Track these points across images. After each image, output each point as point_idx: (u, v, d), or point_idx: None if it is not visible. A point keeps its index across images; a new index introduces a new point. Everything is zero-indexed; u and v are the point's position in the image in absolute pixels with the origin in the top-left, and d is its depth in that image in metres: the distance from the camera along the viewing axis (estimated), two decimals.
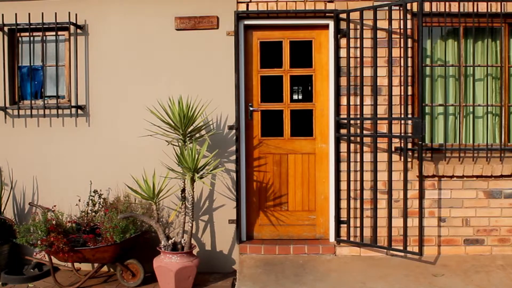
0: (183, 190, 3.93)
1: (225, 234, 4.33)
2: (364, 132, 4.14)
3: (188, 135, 3.99)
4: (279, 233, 4.43)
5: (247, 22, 4.30)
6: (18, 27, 4.37)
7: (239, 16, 4.24)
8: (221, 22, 4.27)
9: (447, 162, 4.17)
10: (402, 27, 4.04)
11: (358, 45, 4.08)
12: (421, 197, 3.95)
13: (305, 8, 4.19)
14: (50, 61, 4.47)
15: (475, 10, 4.10)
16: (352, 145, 4.16)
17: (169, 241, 3.85)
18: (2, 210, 4.37)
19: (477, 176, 4.15)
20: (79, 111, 4.39)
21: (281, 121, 4.49)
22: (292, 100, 4.48)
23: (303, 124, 4.70)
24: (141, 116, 4.25)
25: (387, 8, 3.95)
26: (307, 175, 4.42)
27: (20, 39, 4.54)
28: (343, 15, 4.11)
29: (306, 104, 4.59)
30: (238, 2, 4.23)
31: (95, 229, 3.96)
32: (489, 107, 4.28)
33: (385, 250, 4.13)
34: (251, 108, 4.38)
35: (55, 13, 4.29)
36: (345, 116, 4.14)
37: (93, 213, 4.15)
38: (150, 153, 4.26)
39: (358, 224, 4.12)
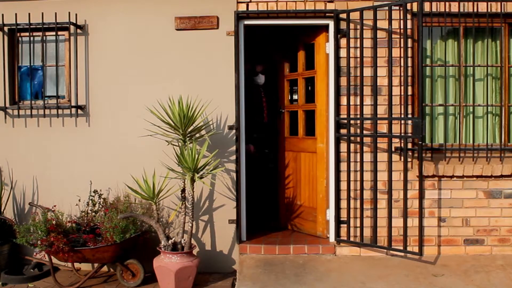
0: (183, 190, 3.93)
1: (225, 234, 4.33)
2: (364, 132, 4.14)
3: (188, 135, 3.99)
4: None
5: (247, 22, 4.30)
6: (18, 27, 4.37)
7: (239, 16, 4.23)
8: (221, 22, 4.26)
9: (447, 162, 4.17)
10: (402, 27, 4.04)
11: (358, 45, 4.08)
12: (421, 197, 3.95)
13: (305, 8, 4.19)
14: (50, 61, 4.47)
15: (475, 10, 4.10)
16: (352, 145, 4.16)
17: (169, 241, 3.85)
18: (2, 210, 4.37)
19: (477, 176, 4.15)
20: (79, 111, 4.39)
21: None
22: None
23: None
24: (141, 116, 4.24)
25: (387, 8, 3.94)
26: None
27: (20, 39, 4.54)
28: (343, 15, 4.11)
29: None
30: (238, 2, 4.23)
31: (95, 229, 3.96)
32: (489, 107, 4.28)
33: (385, 250, 4.13)
34: None
35: (55, 13, 4.28)
36: (345, 116, 4.14)
37: (93, 213, 4.15)
38: (150, 153, 4.25)
39: (358, 224, 4.12)
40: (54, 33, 4.37)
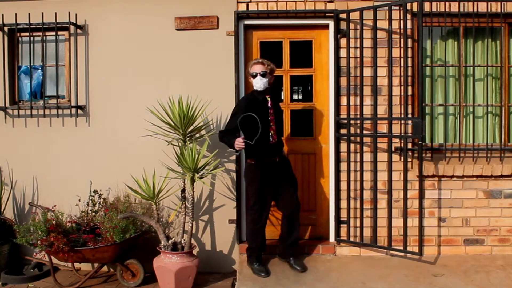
0: (183, 190, 3.93)
1: (225, 234, 4.33)
2: (364, 132, 4.13)
3: (188, 135, 3.99)
4: (279, 233, 4.42)
5: (247, 22, 4.30)
6: (18, 27, 4.37)
7: (239, 16, 4.23)
8: (221, 22, 4.26)
9: (447, 162, 4.17)
10: (402, 27, 4.04)
11: (358, 45, 4.08)
12: (421, 197, 3.95)
13: (305, 8, 4.19)
14: (50, 61, 4.47)
15: (475, 10, 4.10)
16: (352, 145, 4.16)
17: (169, 241, 3.85)
18: (2, 210, 4.37)
19: (477, 176, 4.15)
20: (79, 111, 4.39)
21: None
22: (292, 100, 4.48)
23: (303, 124, 4.70)
24: (141, 116, 4.24)
25: (387, 8, 3.94)
26: (307, 175, 4.42)
27: (20, 39, 4.54)
28: (343, 15, 4.11)
29: (306, 104, 4.59)
30: (238, 2, 4.23)
31: (95, 229, 3.96)
32: (489, 107, 4.28)
33: (385, 250, 4.13)
34: None
35: (55, 13, 4.28)
36: (345, 116, 4.14)
37: (93, 213, 4.15)
38: (150, 153, 4.25)
39: (358, 224, 4.12)
40: (54, 33, 4.37)
